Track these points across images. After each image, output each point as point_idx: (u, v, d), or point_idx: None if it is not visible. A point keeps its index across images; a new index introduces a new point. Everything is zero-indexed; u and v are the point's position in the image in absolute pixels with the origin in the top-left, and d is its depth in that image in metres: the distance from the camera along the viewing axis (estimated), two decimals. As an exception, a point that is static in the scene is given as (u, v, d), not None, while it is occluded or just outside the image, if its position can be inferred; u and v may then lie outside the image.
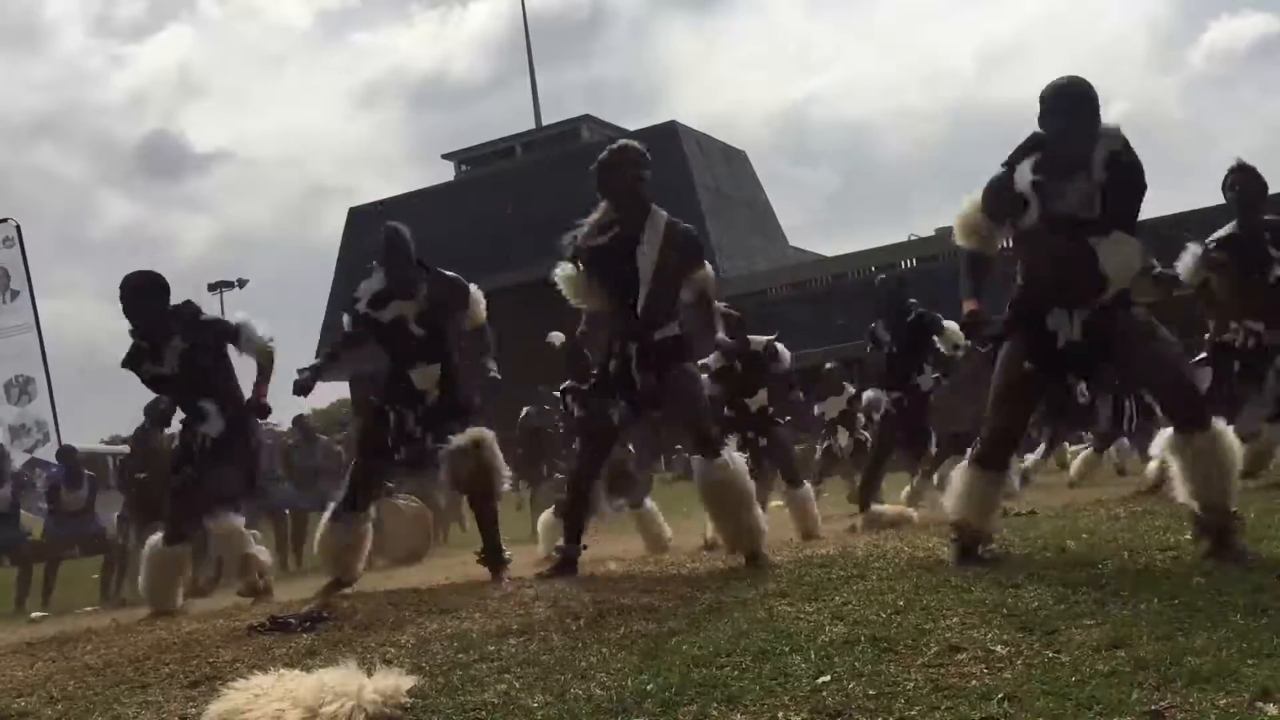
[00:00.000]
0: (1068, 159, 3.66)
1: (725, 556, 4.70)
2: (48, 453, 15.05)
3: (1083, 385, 6.36)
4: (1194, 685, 2.24)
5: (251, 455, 5.78)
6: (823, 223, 77.43)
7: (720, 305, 6.88)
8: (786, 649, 2.81)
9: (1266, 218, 5.94)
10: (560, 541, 4.93)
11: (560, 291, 4.86)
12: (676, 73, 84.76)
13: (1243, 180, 5.90)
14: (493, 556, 5.10)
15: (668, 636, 3.09)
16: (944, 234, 33.22)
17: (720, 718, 2.37)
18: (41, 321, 17.19)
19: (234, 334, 5.63)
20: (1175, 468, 3.62)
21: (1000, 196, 3.78)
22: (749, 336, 7.05)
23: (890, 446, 7.46)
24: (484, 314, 5.26)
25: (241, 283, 37.14)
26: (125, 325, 5.58)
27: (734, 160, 40.50)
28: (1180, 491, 3.61)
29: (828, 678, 2.53)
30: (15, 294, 17.40)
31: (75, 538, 9.90)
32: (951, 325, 7.03)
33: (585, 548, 4.88)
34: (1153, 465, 6.18)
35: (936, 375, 7.30)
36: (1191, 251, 5.84)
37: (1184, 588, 3.05)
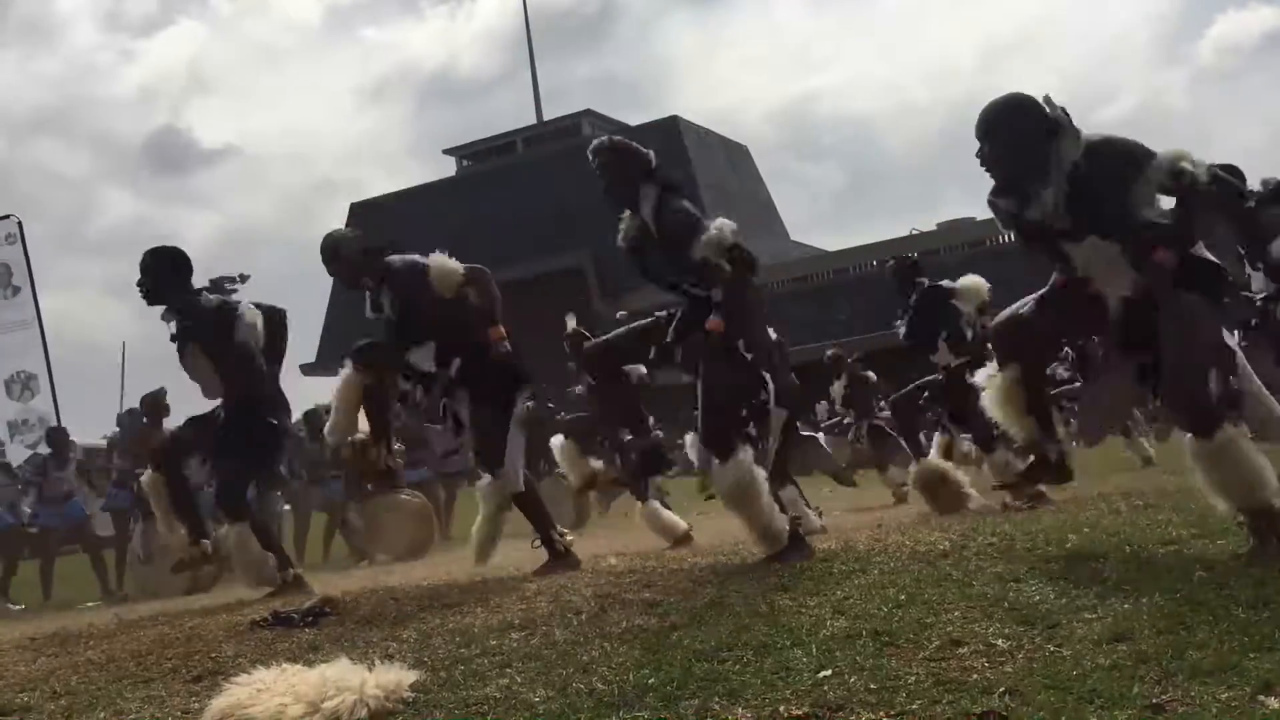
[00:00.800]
0: (1017, 178, 3.73)
1: (728, 552, 4.71)
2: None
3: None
4: (1196, 679, 2.24)
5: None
6: (828, 218, 77.44)
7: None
8: (788, 643, 2.81)
9: None
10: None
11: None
12: (680, 68, 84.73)
13: None
14: (546, 545, 5.10)
15: (669, 631, 3.09)
16: (945, 228, 33.33)
17: (722, 712, 2.37)
18: (44, 317, 17.21)
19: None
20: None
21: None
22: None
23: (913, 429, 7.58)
24: (457, 280, 5.03)
25: (243, 278, 37.10)
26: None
27: (736, 155, 40.49)
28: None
29: (829, 672, 2.54)
30: (17, 290, 17.41)
31: (58, 528, 9.97)
32: (966, 280, 7.04)
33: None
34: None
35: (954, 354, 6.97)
36: None
37: (1186, 582, 3.04)
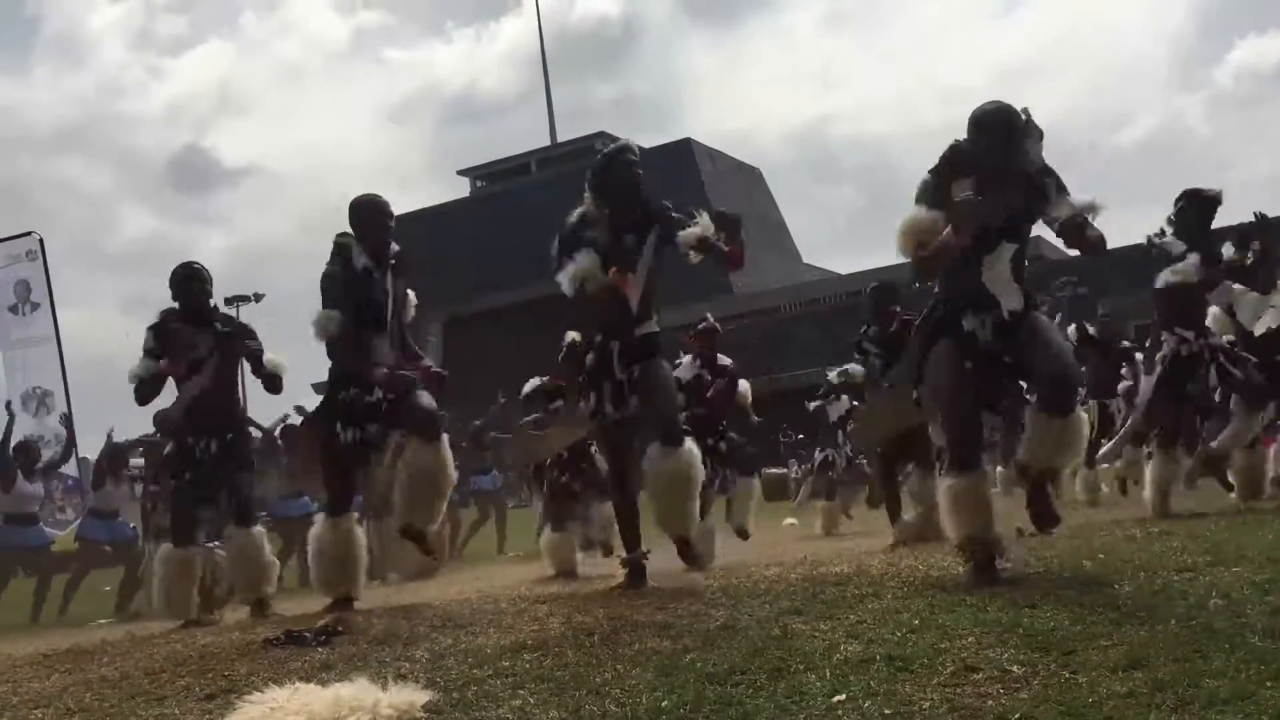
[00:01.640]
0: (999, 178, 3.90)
1: (738, 573, 4.70)
2: (69, 466, 15.10)
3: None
4: (1212, 707, 2.23)
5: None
6: (845, 240, 77.46)
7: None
8: (801, 667, 2.81)
9: None
10: (623, 553, 4.87)
11: (578, 288, 4.72)
12: (697, 90, 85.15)
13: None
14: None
15: (682, 653, 3.09)
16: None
17: (735, 736, 2.37)
18: (62, 334, 17.31)
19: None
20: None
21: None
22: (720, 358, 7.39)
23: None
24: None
25: (258, 297, 37.31)
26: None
27: (748, 177, 40.60)
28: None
29: (843, 696, 2.53)
30: (35, 306, 17.51)
31: (103, 542, 9.87)
32: None
33: (648, 551, 4.79)
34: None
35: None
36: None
37: (1201, 609, 3.03)
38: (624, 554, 4.85)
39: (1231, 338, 6.38)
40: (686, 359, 7.34)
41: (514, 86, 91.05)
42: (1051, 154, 3.96)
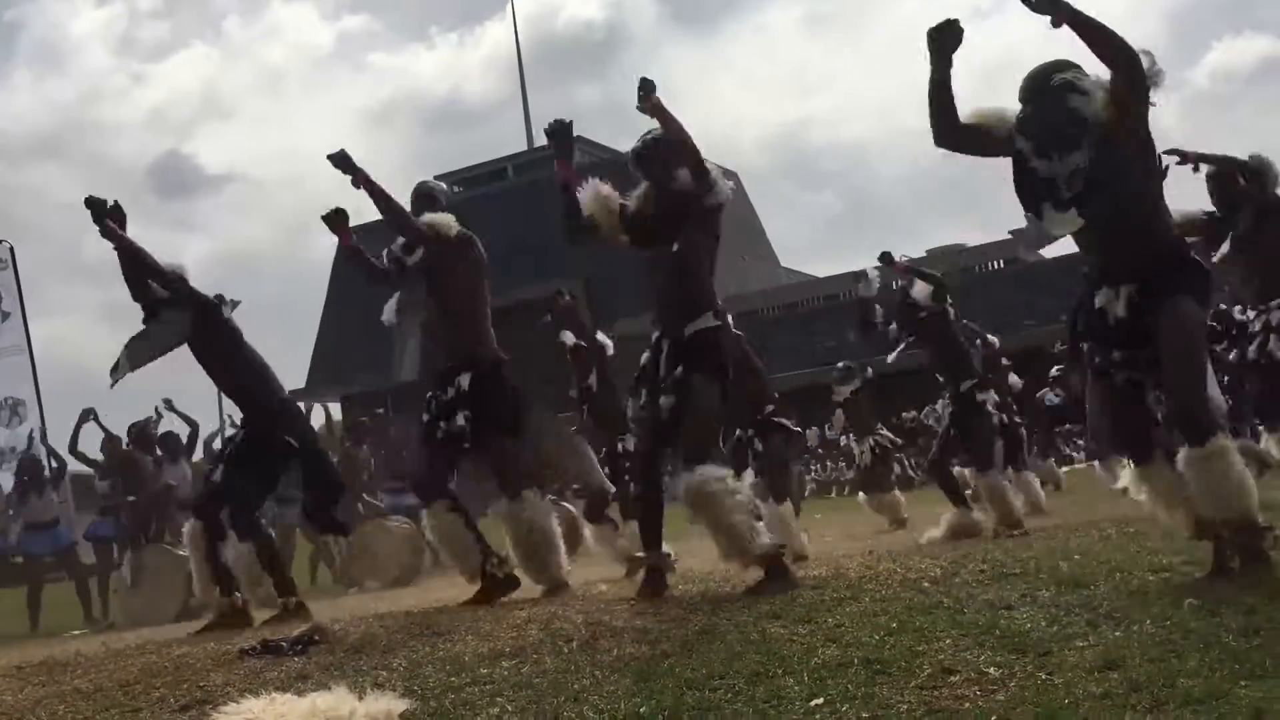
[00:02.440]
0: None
1: (722, 579, 4.70)
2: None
3: None
4: (1186, 707, 2.24)
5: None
6: (825, 245, 77.45)
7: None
8: (780, 671, 2.81)
9: None
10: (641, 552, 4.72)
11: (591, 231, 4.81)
12: (676, 94, 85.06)
13: None
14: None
15: (661, 659, 3.09)
16: (935, 254, 33.48)
17: (714, 741, 2.37)
18: (36, 343, 17.13)
19: None
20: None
21: None
22: None
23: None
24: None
25: (234, 303, 37.09)
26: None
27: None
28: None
29: (821, 700, 2.53)
30: (6, 315, 17.32)
31: (44, 556, 9.85)
32: None
33: (671, 555, 4.72)
34: None
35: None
36: None
37: (1176, 609, 3.05)
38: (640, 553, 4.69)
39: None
40: None
41: (496, 92, 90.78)
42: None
